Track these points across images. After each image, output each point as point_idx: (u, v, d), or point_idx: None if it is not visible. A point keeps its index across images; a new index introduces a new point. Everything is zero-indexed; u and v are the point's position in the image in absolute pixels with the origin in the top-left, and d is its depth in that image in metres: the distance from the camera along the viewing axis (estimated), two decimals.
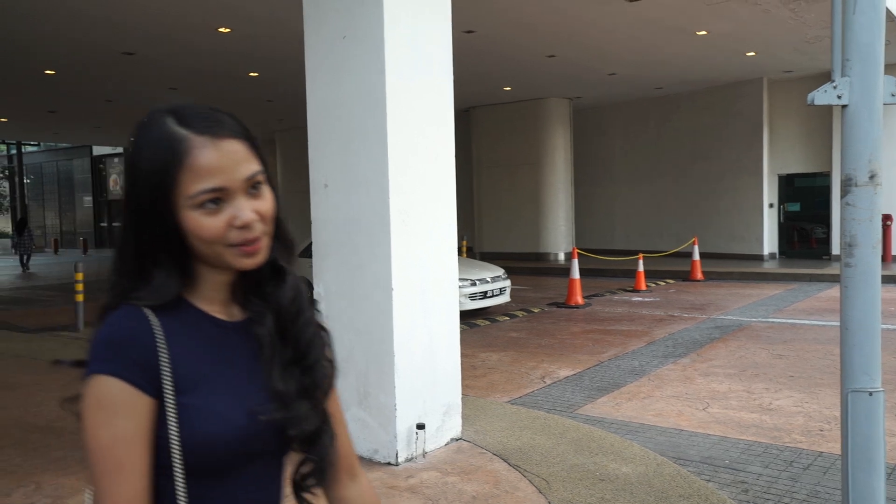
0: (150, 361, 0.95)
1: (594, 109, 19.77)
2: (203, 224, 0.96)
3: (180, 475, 0.96)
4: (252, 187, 0.99)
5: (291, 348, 1.07)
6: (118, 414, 0.93)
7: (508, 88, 16.72)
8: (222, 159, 0.97)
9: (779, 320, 9.00)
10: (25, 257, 21.86)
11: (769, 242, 16.72)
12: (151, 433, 0.95)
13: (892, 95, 2.01)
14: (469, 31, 10.70)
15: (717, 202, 17.30)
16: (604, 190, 19.93)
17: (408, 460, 4.18)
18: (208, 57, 12.41)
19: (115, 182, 32.32)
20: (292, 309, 1.07)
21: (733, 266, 15.09)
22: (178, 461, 0.96)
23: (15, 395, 5.94)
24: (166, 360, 0.96)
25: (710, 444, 4.52)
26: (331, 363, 1.14)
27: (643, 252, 14.31)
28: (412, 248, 4.31)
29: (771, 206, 16.76)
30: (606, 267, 15.25)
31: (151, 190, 0.96)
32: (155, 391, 0.95)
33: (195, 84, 14.97)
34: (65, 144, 32.05)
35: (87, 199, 32.99)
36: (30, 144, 33.55)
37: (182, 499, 0.97)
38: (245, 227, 0.97)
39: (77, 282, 9.76)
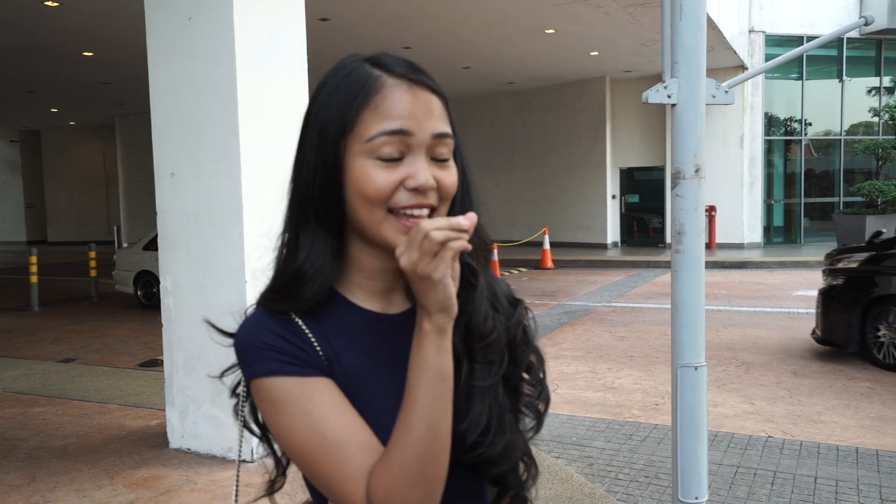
0: (307, 350, 0.84)
1: (451, 102, 20.11)
2: (372, 176, 0.81)
3: None
4: (439, 155, 0.84)
5: (495, 360, 0.89)
6: (299, 403, 0.82)
7: None
8: (415, 104, 0.83)
9: (621, 304, 9.65)
10: None
11: (612, 232, 17.86)
12: (342, 396, 0.83)
13: (713, 96, 2.21)
14: (324, 20, 10.51)
15: (564, 193, 18.22)
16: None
17: (263, 457, 4.07)
18: (35, 33, 11.32)
19: None
20: (485, 327, 0.88)
21: (580, 254, 15.97)
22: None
23: None
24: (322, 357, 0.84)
25: (559, 423, 4.77)
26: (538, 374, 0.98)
27: (497, 241, 14.81)
28: (266, 238, 4.18)
29: (613, 197, 17.90)
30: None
31: (321, 132, 0.84)
32: (326, 370, 0.84)
33: (22, 63, 13.62)
34: None
35: None
36: None
37: None
38: (418, 190, 0.82)
39: None
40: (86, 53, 13.05)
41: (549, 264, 14.50)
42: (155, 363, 6.53)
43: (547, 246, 14.76)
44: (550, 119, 18.33)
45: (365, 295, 0.90)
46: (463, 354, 0.86)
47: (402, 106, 0.83)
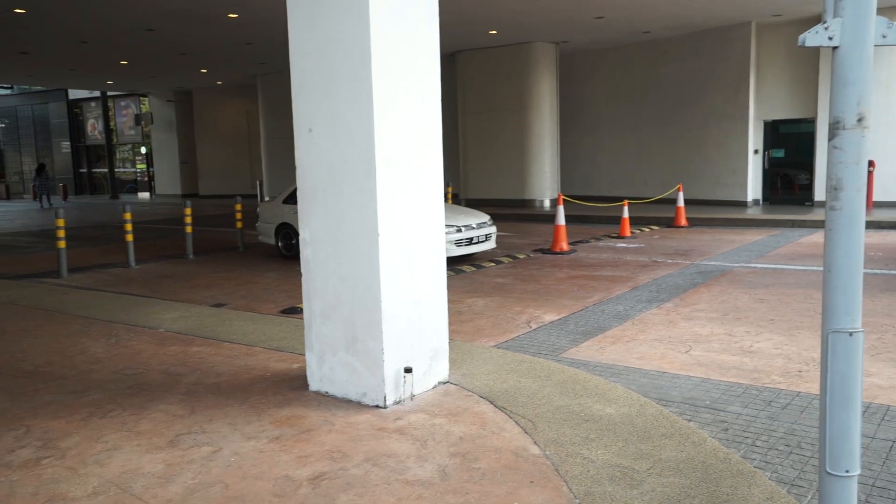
0: None
1: (581, 54, 19.51)
2: None
3: None
4: None
5: None
6: None
7: (494, 32, 16.42)
8: None
9: (761, 265, 9.12)
10: (45, 197, 26.51)
11: (753, 189, 16.81)
12: None
13: (883, 37, 1.99)
14: None
15: (701, 149, 17.29)
16: (589, 136, 19.82)
17: (395, 403, 4.25)
18: None
19: (94, 127, 31.66)
20: None
21: (717, 212, 15.18)
22: None
23: (1, 341, 5.93)
24: None
25: (691, 386, 4.62)
26: None
27: (628, 199, 14.35)
28: (398, 193, 4.28)
29: (756, 152, 16.79)
30: (591, 213, 15.30)
31: None
32: None
33: (171, 25, 14.55)
34: (40, 88, 31.21)
35: (66, 145, 32.34)
36: (1, 87, 32.64)
37: None
38: None
39: (59, 228, 9.66)
40: (231, 15, 13.74)
41: (683, 222, 13.91)
42: (295, 310, 6.93)
43: (681, 203, 14.14)
44: (687, 70, 17.34)
45: None
46: None
47: None
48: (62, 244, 9.66)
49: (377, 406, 4.22)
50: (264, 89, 23.66)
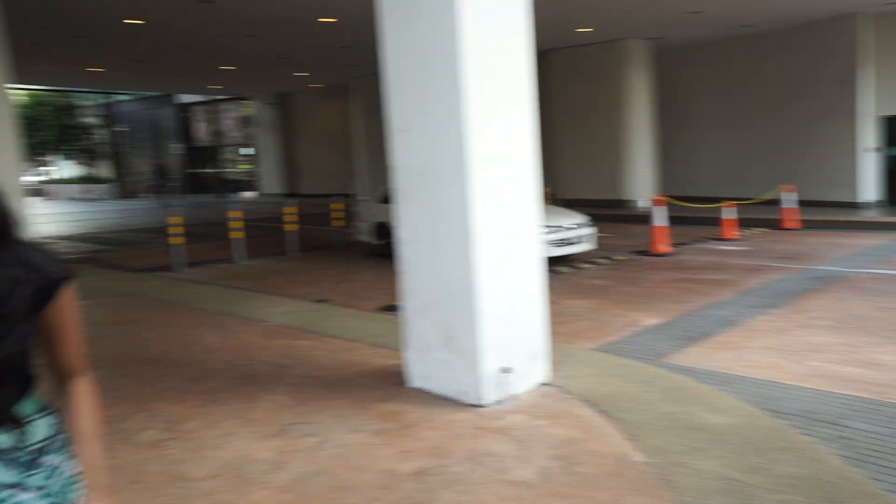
0: None
1: (676, 50, 18.89)
2: None
3: None
4: None
5: None
6: None
7: (586, 30, 16.15)
8: None
9: (884, 271, 8.54)
10: (160, 195, 28.24)
11: (871, 189, 15.77)
12: None
13: None
14: None
15: (807, 146, 16.36)
16: (687, 135, 19.16)
17: (495, 403, 4.25)
18: (284, 4, 12.47)
19: (202, 129, 33.36)
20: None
21: (828, 214, 14.34)
22: None
23: (125, 330, 6.34)
24: None
25: (808, 398, 4.39)
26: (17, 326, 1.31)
27: (729, 199, 13.77)
28: (492, 193, 4.27)
29: (877, 149, 15.73)
30: (691, 214, 14.78)
31: None
32: None
33: (271, 31, 15.12)
34: (153, 93, 33.16)
35: (177, 147, 34.21)
36: (122, 94, 34.88)
37: None
38: None
39: (173, 225, 10.24)
40: (328, 20, 14.14)
41: (792, 224, 13.22)
42: (393, 308, 7.05)
43: (789, 204, 13.45)
44: (790, 64, 16.44)
45: None
46: None
47: None
48: (177, 240, 10.23)
49: (476, 405, 4.23)
50: (359, 91, 24.20)
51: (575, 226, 9.81)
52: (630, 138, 17.89)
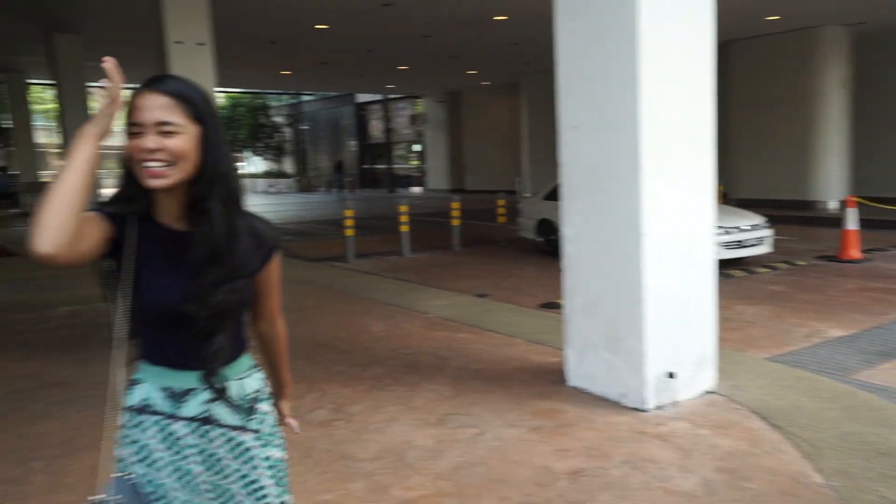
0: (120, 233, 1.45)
1: (879, 36, 17.00)
2: (128, 145, 1.43)
3: (140, 322, 1.49)
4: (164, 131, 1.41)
5: (221, 266, 1.47)
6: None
7: (774, 17, 14.99)
8: (146, 103, 1.42)
9: None
10: (340, 189, 30.00)
11: None
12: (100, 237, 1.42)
13: None
14: None
15: None
16: (890, 130, 17.23)
17: (657, 408, 4.11)
18: (460, 3, 12.76)
19: (376, 127, 35.04)
20: (221, 238, 1.47)
21: None
22: (137, 313, 1.47)
23: (302, 315, 6.83)
24: (136, 242, 1.46)
25: None
26: (245, 292, 1.56)
27: None
28: (664, 192, 4.12)
29: None
30: (888, 218, 13.30)
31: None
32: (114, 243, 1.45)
33: (445, 31, 15.53)
34: (333, 93, 35.31)
35: (353, 143, 36.21)
36: (306, 94, 37.50)
37: (149, 336, 1.53)
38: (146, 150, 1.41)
39: (347, 218, 10.86)
40: (499, 18, 14.28)
41: None
42: (554, 306, 7.01)
43: None
44: None
45: (161, 215, 1.52)
46: (205, 256, 1.46)
47: (138, 104, 1.43)
48: (349, 232, 10.85)
49: (637, 408, 4.11)
50: (528, 88, 24.22)
51: (750, 227, 9.20)
52: (820, 134, 16.43)
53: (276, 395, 1.84)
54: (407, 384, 4.69)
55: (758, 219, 9.46)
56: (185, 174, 1.44)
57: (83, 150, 1.34)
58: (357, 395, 4.50)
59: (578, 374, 4.56)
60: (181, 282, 1.48)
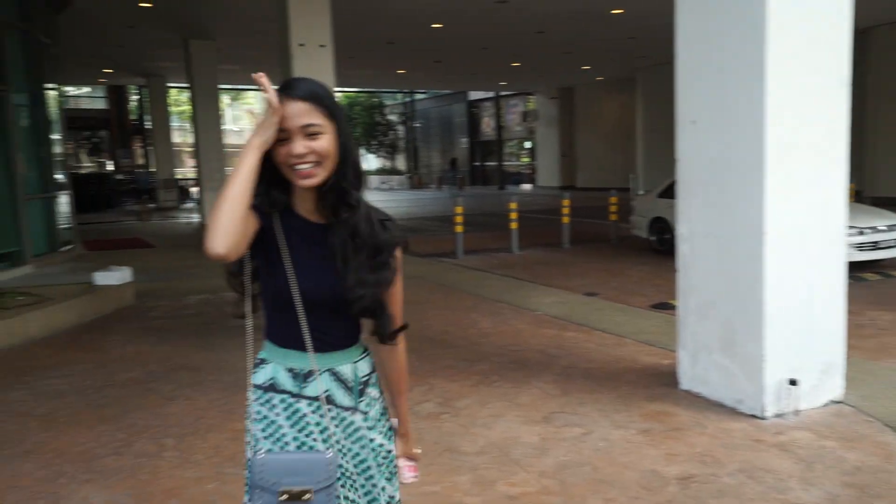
0: (268, 226, 1.55)
1: None
2: (279, 152, 1.51)
3: (298, 306, 1.55)
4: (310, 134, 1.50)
5: (363, 252, 1.58)
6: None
7: None
8: (291, 110, 1.49)
9: None
10: (453, 186, 30.00)
11: None
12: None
13: None
14: None
15: None
16: None
17: (776, 416, 3.91)
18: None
19: (487, 124, 35.15)
20: (362, 225, 1.58)
21: None
22: (274, 299, 1.58)
23: (412, 310, 6.97)
24: (282, 234, 1.56)
25: None
26: (393, 270, 1.64)
27: None
28: (790, 190, 3.90)
29: None
30: None
31: None
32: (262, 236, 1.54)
33: (560, 26, 15.34)
34: (446, 91, 35.73)
35: (464, 141, 36.52)
36: (419, 92, 38.17)
37: (281, 321, 1.60)
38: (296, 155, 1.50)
39: (456, 215, 10.98)
40: (615, 11, 13.96)
41: None
42: (666, 306, 6.80)
43: None
44: None
45: (301, 208, 1.61)
46: (349, 244, 1.57)
47: (285, 112, 1.50)
48: (459, 229, 10.96)
49: (754, 416, 3.93)
50: (643, 83, 23.52)
51: (886, 227, 8.53)
52: None
53: (394, 429, 1.78)
54: (514, 381, 4.70)
55: (894, 219, 8.76)
56: (329, 170, 1.55)
57: (248, 159, 1.45)
58: (464, 389, 4.55)
59: (691, 377, 4.41)
60: (324, 269, 1.57)
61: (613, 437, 3.73)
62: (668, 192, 10.08)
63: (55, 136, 11.50)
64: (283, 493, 1.50)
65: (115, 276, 7.58)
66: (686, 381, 4.45)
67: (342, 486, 1.62)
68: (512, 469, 3.38)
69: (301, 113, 1.49)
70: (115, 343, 6.02)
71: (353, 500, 1.64)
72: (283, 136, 1.49)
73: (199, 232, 15.71)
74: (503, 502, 3.07)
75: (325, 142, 1.52)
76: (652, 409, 4.12)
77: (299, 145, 1.49)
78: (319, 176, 1.53)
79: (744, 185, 3.98)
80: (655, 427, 3.84)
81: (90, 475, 3.43)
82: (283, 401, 1.61)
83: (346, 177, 1.56)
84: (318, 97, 1.52)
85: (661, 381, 4.58)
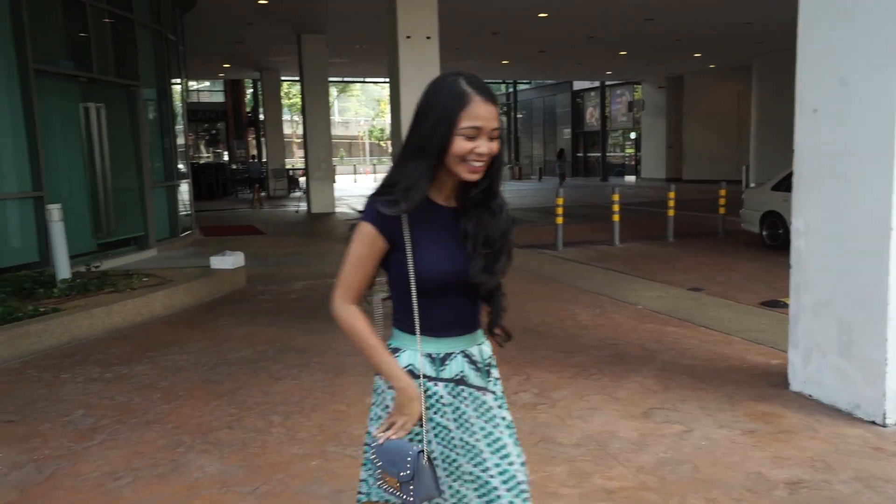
0: (394, 226, 1.61)
1: None
2: (462, 145, 1.57)
3: (414, 293, 1.64)
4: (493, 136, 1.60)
5: (488, 237, 1.67)
6: (364, 242, 1.64)
7: None
8: (486, 112, 1.58)
9: None
10: (561, 177, 28.90)
11: None
12: (378, 261, 1.66)
13: None
14: None
15: None
16: None
17: None
18: None
19: (591, 114, 34.49)
20: (498, 217, 1.69)
21: None
22: (413, 285, 1.63)
23: (511, 300, 6.98)
24: (407, 226, 1.62)
25: None
26: (510, 254, 1.74)
27: None
28: None
29: None
30: None
31: (441, 115, 1.57)
32: (391, 242, 1.63)
33: (670, 13, 14.82)
34: (550, 81, 35.31)
35: (567, 131, 35.99)
36: (523, 83, 37.91)
37: (416, 307, 1.65)
38: (481, 153, 1.59)
39: (557, 206, 10.87)
40: None
41: None
42: (777, 304, 6.49)
43: None
44: None
45: (439, 195, 1.68)
46: (480, 232, 1.66)
47: (480, 113, 1.58)
48: (559, 220, 10.85)
49: (873, 422, 3.70)
50: (760, 70, 22.33)
51: None
52: None
53: None
54: (612, 374, 4.63)
55: None
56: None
57: (387, 365, 1.67)
58: (561, 381, 4.53)
59: (803, 378, 4.20)
60: (463, 253, 1.65)
61: (716, 436, 3.61)
62: (783, 185, 9.57)
63: (179, 128, 12.28)
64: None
65: (229, 261, 8.01)
66: (797, 383, 4.24)
67: (454, 480, 1.71)
68: (609, 463, 3.34)
69: (493, 116, 1.60)
70: (227, 323, 6.37)
71: (462, 495, 1.70)
72: (471, 133, 1.57)
73: (306, 220, 16.34)
74: (600, 495, 3.04)
75: (498, 143, 1.63)
76: (759, 409, 3.95)
77: (485, 146, 1.59)
78: (483, 171, 1.62)
79: (869, 177, 3.74)
80: (762, 428, 3.69)
81: (206, 446, 3.67)
82: (419, 385, 1.68)
83: (499, 172, 1.68)
84: (497, 102, 1.63)
85: (769, 382, 4.39)
